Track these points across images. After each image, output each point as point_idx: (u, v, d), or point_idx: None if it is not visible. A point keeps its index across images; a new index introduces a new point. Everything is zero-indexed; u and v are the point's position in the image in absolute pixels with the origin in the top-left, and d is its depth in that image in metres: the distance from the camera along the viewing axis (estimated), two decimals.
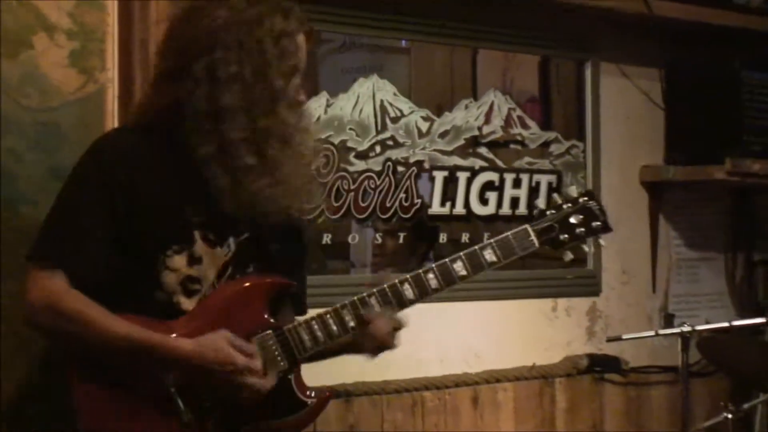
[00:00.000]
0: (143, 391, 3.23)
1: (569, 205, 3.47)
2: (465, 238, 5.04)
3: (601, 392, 5.49)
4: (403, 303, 3.39)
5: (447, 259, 3.37)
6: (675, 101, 5.72)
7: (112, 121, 3.93)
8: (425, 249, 5.08)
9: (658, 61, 5.71)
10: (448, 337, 4.84)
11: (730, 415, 4.77)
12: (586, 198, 3.48)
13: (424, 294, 3.38)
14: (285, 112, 3.27)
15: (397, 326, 3.39)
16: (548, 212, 3.46)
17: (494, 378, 5.06)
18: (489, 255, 3.37)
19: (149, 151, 3.24)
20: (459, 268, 3.36)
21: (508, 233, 3.41)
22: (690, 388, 4.96)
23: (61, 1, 3.82)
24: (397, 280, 3.37)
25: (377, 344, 3.41)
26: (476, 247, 3.38)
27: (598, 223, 3.47)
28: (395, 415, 4.78)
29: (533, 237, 3.42)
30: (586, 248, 3.49)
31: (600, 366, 5.45)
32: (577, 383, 5.41)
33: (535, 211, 3.49)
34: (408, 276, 3.37)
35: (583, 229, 3.45)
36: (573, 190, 3.53)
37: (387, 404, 4.74)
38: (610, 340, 5.18)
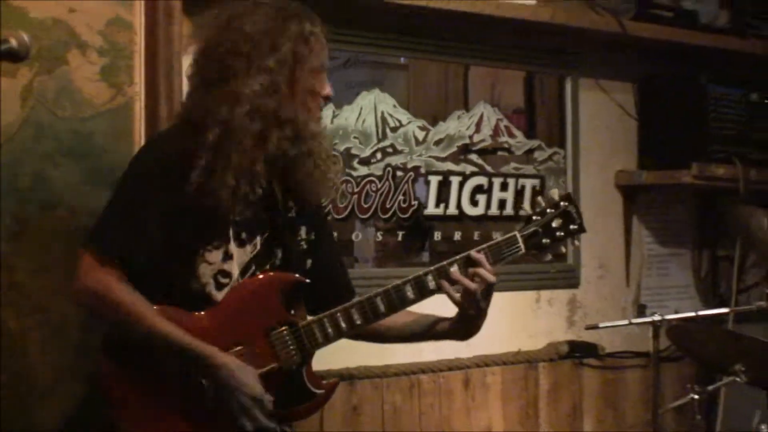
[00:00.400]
0: (170, 376, 3.25)
1: (552, 210, 3.46)
2: (458, 236, 5.07)
3: (580, 375, 5.52)
4: (405, 302, 3.38)
5: (445, 262, 3.36)
6: (647, 112, 5.76)
7: (140, 131, 3.96)
8: (420, 245, 5.08)
9: (631, 76, 5.74)
10: None
11: (696, 396, 4.76)
12: (566, 203, 3.47)
13: (424, 294, 3.38)
14: (315, 109, 3.34)
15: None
16: (534, 217, 3.45)
17: (483, 362, 5.09)
18: (482, 258, 3.34)
19: (192, 154, 3.21)
20: (455, 270, 3.33)
21: (500, 239, 3.41)
22: (660, 372, 4.94)
23: (92, 21, 3.83)
24: (400, 282, 3.35)
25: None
26: (471, 251, 3.35)
27: (575, 226, 3.47)
28: (394, 396, 4.79)
29: (521, 243, 3.41)
30: (562, 248, 3.47)
31: (579, 351, 5.49)
32: (559, 367, 5.44)
33: (522, 216, 3.51)
34: (411, 277, 3.35)
35: (562, 233, 3.45)
36: (555, 194, 3.52)
37: (387, 387, 4.77)
38: (588, 328, 5.19)
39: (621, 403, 5.68)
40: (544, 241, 3.43)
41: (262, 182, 3.24)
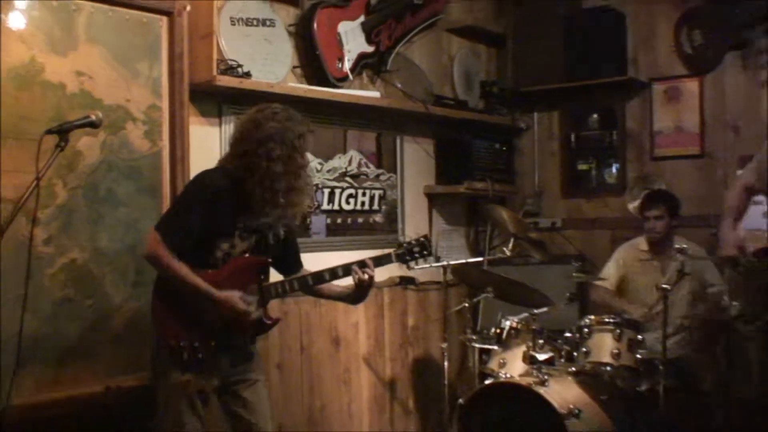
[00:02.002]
0: (189, 303, 3.31)
1: (415, 242, 3.58)
2: (339, 220, 5.06)
3: (405, 294, 5.55)
4: (324, 280, 3.51)
5: (350, 263, 3.48)
6: (440, 154, 5.76)
7: (166, 167, 3.97)
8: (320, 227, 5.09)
9: (432, 135, 5.76)
10: None
11: (467, 304, 4.91)
12: (424, 239, 3.59)
13: (335, 278, 3.52)
14: (303, 176, 3.38)
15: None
16: (404, 244, 3.60)
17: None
18: (370, 263, 3.49)
19: (226, 187, 3.29)
20: (356, 267, 3.46)
21: (382, 254, 3.58)
22: (448, 292, 5.07)
23: (140, 106, 3.86)
24: (324, 269, 3.50)
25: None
26: (365, 258, 3.49)
27: (426, 252, 3.59)
28: (306, 306, 4.82)
29: (393, 258, 3.58)
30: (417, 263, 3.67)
31: (405, 282, 5.51)
32: (395, 290, 5.46)
33: (399, 245, 3.63)
34: (329, 268, 3.48)
35: (418, 255, 3.58)
36: (420, 235, 3.67)
37: (302, 301, 4.76)
38: (409, 269, 5.11)
39: (428, 309, 5.71)
40: (407, 257, 3.59)
41: (261, 211, 3.32)
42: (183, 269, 3.25)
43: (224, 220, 3.33)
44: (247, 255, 3.39)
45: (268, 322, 3.45)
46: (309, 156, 4.80)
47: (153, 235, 3.26)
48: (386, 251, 3.59)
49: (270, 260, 3.46)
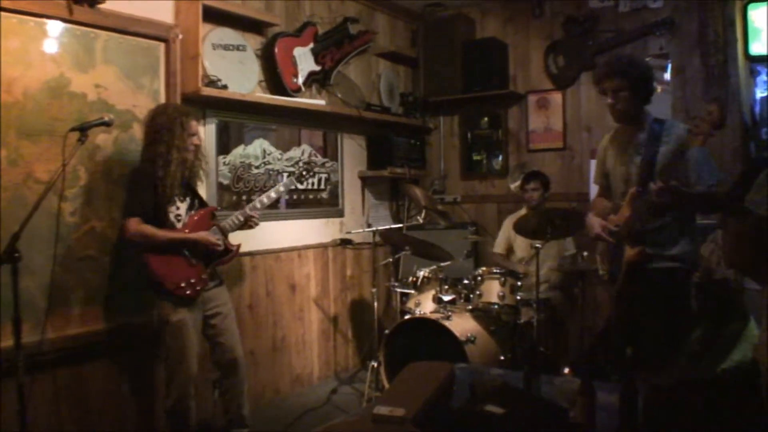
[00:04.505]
0: (176, 255, 3.32)
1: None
2: (294, 197, 5.03)
3: (345, 252, 5.52)
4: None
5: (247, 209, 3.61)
6: (370, 147, 5.75)
7: None
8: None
9: (364, 133, 5.73)
10: (289, 234, 4.86)
11: (391, 259, 4.97)
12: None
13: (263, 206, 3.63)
14: (189, 148, 3.35)
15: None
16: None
17: (306, 247, 5.07)
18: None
19: (150, 170, 3.30)
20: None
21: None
22: (377, 250, 5.08)
23: (143, 111, 3.80)
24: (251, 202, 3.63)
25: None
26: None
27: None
28: (270, 261, 4.81)
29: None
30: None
31: (344, 243, 5.44)
32: (337, 249, 5.43)
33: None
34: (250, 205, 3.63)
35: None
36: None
37: (266, 256, 4.76)
38: (347, 233, 5.23)
39: (361, 263, 5.60)
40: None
41: (182, 179, 3.35)
42: (152, 230, 3.25)
43: (162, 192, 3.31)
44: (195, 210, 3.46)
45: (231, 249, 3.52)
46: (272, 148, 4.84)
47: (125, 222, 3.27)
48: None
49: (217, 208, 3.56)
